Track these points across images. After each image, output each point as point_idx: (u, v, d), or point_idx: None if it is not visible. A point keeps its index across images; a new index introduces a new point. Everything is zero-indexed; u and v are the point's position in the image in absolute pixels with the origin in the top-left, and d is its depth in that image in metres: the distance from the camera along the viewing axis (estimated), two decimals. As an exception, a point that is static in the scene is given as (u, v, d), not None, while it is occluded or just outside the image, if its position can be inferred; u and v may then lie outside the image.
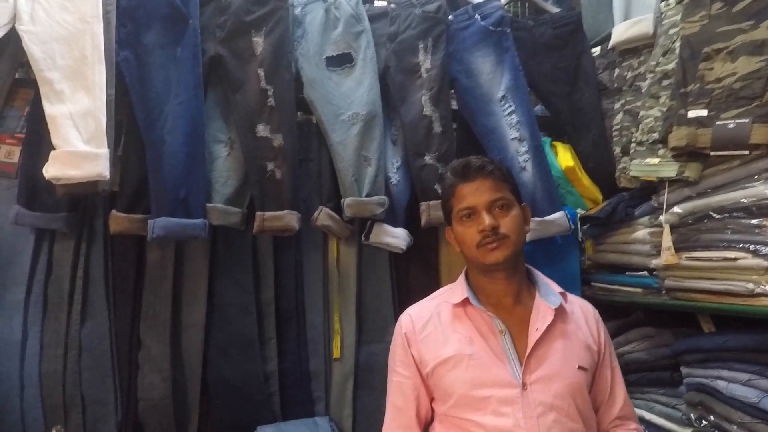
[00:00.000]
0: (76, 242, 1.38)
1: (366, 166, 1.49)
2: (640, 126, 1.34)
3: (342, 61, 1.52)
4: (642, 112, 1.34)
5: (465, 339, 0.98)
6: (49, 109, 1.23)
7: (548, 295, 1.00)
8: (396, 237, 1.53)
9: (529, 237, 1.51)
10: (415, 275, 1.63)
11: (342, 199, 1.47)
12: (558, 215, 1.48)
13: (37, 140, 1.30)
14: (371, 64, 1.53)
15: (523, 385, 0.93)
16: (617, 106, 1.48)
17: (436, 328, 1.01)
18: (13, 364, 1.30)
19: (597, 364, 1.01)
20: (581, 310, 1.05)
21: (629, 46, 1.42)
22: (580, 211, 1.59)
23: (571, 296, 1.07)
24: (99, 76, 1.26)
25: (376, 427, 1.51)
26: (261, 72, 1.44)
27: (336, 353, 1.54)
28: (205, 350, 1.46)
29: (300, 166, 1.51)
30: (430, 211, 1.51)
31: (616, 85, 1.49)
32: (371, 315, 1.57)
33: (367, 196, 1.46)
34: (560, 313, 0.99)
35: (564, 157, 1.63)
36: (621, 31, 1.42)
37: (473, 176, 0.99)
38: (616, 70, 1.49)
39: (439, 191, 1.52)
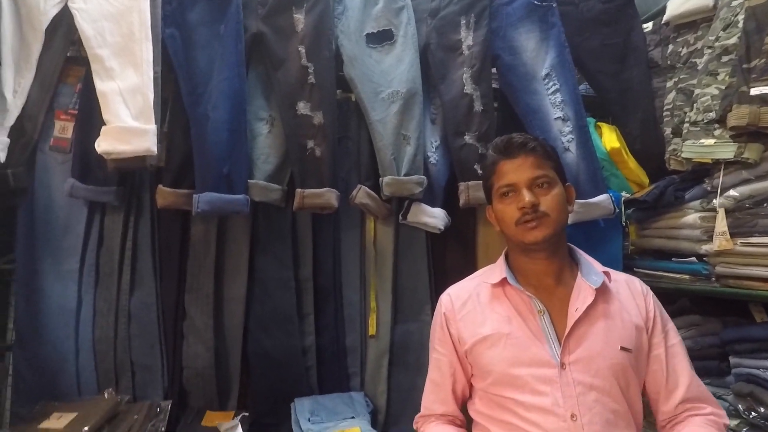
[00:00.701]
0: (125, 215, 1.44)
1: (405, 145, 1.48)
2: (694, 105, 1.27)
3: (382, 37, 1.50)
4: (697, 91, 1.28)
5: (503, 318, 0.98)
6: (100, 85, 1.27)
7: (590, 274, 0.98)
8: (434, 217, 1.52)
9: (571, 219, 1.47)
10: (451, 256, 1.63)
11: (380, 178, 1.46)
12: (602, 198, 1.43)
13: (89, 116, 1.34)
14: (412, 40, 1.50)
15: (562, 365, 0.92)
16: (669, 84, 1.41)
17: (474, 307, 1.02)
18: (69, 329, 1.37)
19: (648, 343, 0.98)
20: (628, 289, 1.02)
21: (686, 20, 1.35)
22: (624, 195, 1.54)
23: (617, 275, 1.04)
24: (146, 52, 1.28)
25: (409, 405, 1.55)
26: (302, 49, 1.43)
27: (372, 330, 1.56)
28: (246, 323, 1.50)
29: (339, 144, 1.51)
30: (469, 191, 1.49)
31: (669, 63, 1.42)
32: (407, 294, 1.58)
33: (405, 175, 1.46)
34: (603, 292, 0.97)
35: (609, 139, 1.58)
36: (677, 5, 1.35)
37: (515, 153, 0.98)
38: (670, 47, 1.42)
39: (479, 171, 1.50)
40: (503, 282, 1.01)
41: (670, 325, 1.00)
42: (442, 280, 1.61)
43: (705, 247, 1.26)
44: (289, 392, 1.46)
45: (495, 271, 1.04)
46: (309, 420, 1.37)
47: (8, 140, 1.27)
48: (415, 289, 1.59)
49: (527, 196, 0.94)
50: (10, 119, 1.27)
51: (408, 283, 1.59)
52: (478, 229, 1.64)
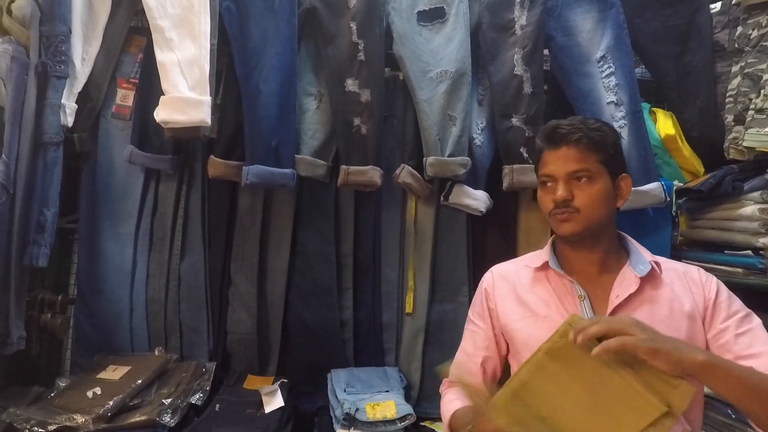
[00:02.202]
0: (178, 183, 1.50)
1: (451, 126, 1.47)
2: (762, 91, 1.21)
3: (434, 15, 1.48)
4: (766, 76, 1.21)
5: (541, 301, 0.98)
6: (160, 55, 1.32)
7: (637, 263, 0.96)
8: (476, 199, 1.51)
9: (621, 208, 1.45)
10: (492, 239, 1.62)
11: (424, 158, 1.46)
12: (653, 186, 1.39)
13: (149, 85, 1.40)
14: (464, 19, 1.48)
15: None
16: (735, 69, 1.34)
17: (515, 287, 1.03)
18: (124, 288, 1.45)
19: (707, 333, 0.93)
20: (684, 279, 0.98)
21: (759, 0, 1.27)
22: (676, 183, 1.49)
23: (674, 264, 1.00)
24: (204, 25, 1.32)
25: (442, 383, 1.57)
26: (353, 25, 1.44)
27: (408, 308, 1.57)
28: (287, 294, 1.54)
29: (384, 122, 1.52)
30: (513, 174, 1.47)
31: (736, 46, 1.34)
32: (445, 275, 1.59)
33: (449, 155, 1.45)
34: (651, 281, 0.94)
35: (664, 125, 1.52)
36: (751, -16, 1.27)
37: (558, 143, 0.95)
38: (739, 29, 1.34)
39: (525, 155, 1.48)
40: (545, 266, 1.00)
41: (743, 312, 0.93)
42: (481, 262, 1.61)
43: (762, 240, 1.21)
44: (325, 363, 1.50)
45: (540, 255, 1.04)
46: (345, 390, 1.41)
47: (76, 106, 1.34)
48: (453, 270, 1.59)
49: (560, 190, 0.93)
50: (78, 86, 1.34)
51: (446, 263, 1.59)
52: (519, 213, 1.63)
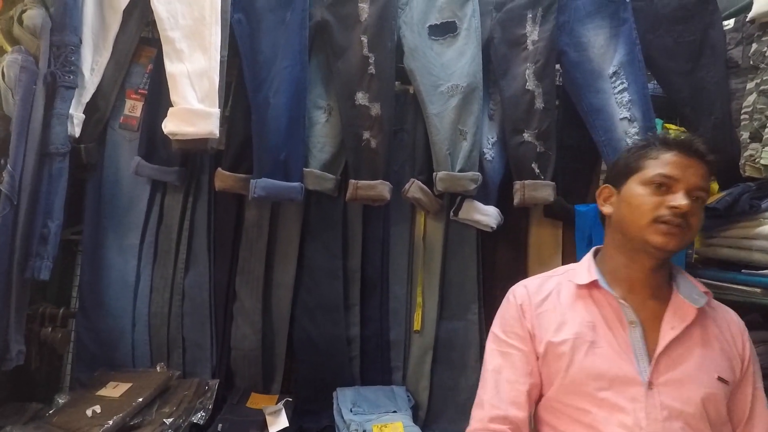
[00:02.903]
0: (185, 196, 1.48)
1: (461, 140, 1.45)
2: (779, 108, 1.19)
3: (445, 29, 1.48)
4: (783, 94, 1.20)
5: (587, 323, 0.89)
6: (170, 67, 1.31)
7: (691, 293, 0.90)
8: (486, 215, 1.49)
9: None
10: (502, 255, 1.59)
11: (434, 173, 1.44)
12: (668, 203, 1.37)
13: (158, 97, 1.38)
14: (475, 34, 1.48)
15: (650, 385, 0.85)
16: (750, 86, 1.33)
17: (555, 306, 0.93)
18: (127, 302, 1.42)
19: (738, 379, 0.91)
20: (725, 318, 0.94)
21: (774, 18, 1.26)
22: (690, 201, 1.46)
23: (715, 301, 0.96)
24: (215, 36, 1.31)
25: (451, 403, 1.53)
26: (364, 39, 1.43)
27: (417, 326, 1.54)
28: (293, 309, 1.51)
29: (394, 136, 1.50)
30: (524, 190, 1.45)
31: (751, 63, 1.33)
32: (454, 292, 1.56)
33: (460, 170, 1.43)
34: (702, 315, 0.90)
35: (677, 142, 1.50)
36: (767, 1, 1.26)
37: (691, 154, 0.89)
38: (753, 46, 1.33)
39: (536, 170, 1.46)
40: (592, 284, 0.92)
41: (758, 365, 0.93)
42: (490, 279, 1.58)
43: (783, 259, 1.17)
44: (331, 381, 1.46)
45: (581, 270, 0.95)
46: (351, 410, 1.37)
47: (83, 116, 1.33)
48: (462, 287, 1.56)
49: (685, 200, 0.85)
50: (87, 96, 1.33)
51: (456, 280, 1.56)
52: (530, 229, 1.61)
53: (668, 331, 0.87)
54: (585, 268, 0.95)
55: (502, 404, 0.90)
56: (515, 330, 0.95)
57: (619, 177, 0.95)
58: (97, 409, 1.20)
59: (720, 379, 0.87)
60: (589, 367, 0.86)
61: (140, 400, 1.23)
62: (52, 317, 1.36)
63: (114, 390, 1.28)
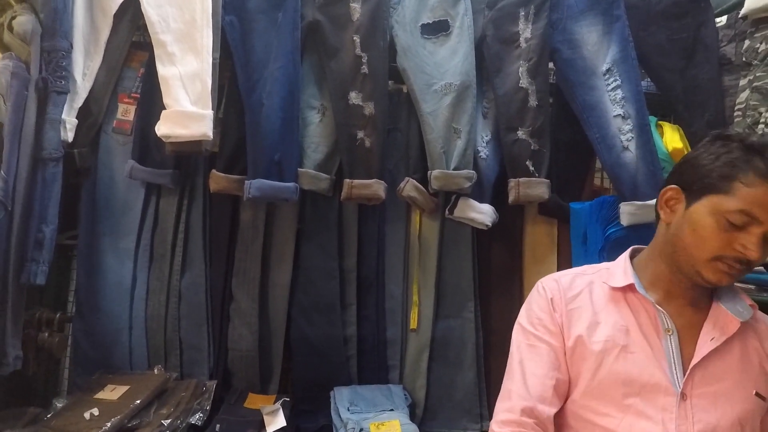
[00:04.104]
0: (179, 198, 1.48)
1: (456, 139, 1.45)
2: (771, 105, 1.19)
3: (438, 28, 1.47)
4: (775, 90, 1.20)
5: (620, 327, 0.85)
6: (162, 70, 1.30)
7: (735, 305, 0.85)
8: (481, 213, 1.49)
9: (627, 221, 1.42)
10: (497, 253, 1.60)
11: (429, 171, 1.45)
12: (662, 200, 1.37)
13: (151, 100, 1.38)
14: (468, 32, 1.47)
15: (683, 396, 0.81)
16: (743, 82, 1.33)
17: (586, 305, 0.88)
18: (124, 305, 1.43)
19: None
20: (767, 329, 0.88)
21: (767, 14, 1.26)
22: (685, 198, 1.47)
23: (760, 313, 0.90)
24: (207, 39, 1.31)
25: (448, 400, 1.54)
26: (357, 39, 1.43)
27: (413, 324, 1.55)
28: (289, 310, 1.52)
29: (388, 135, 1.50)
30: (519, 188, 1.45)
31: (744, 59, 1.33)
32: (450, 290, 1.56)
33: (455, 169, 1.43)
34: (743, 327, 0.84)
35: (671, 138, 1.50)
36: (758, -3, 1.26)
37: None
38: (746, 42, 1.33)
39: (531, 168, 1.46)
40: (627, 287, 0.87)
41: None
42: (486, 277, 1.59)
43: (775, 257, 1.18)
44: (328, 380, 1.47)
45: (616, 272, 0.90)
46: (348, 409, 1.38)
47: (76, 121, 1.33)
48: (458, 285, 1.56)
49: (757, 251, 0.75)
50: (79, 101, 1.33)
51: (452, 278, 1.57)
52: (525, 227, 1.61)
53: (707, 342, 0.83)
54: (621, 270, 0.89)
55: (529, 397, 0.85)
56: (545, 323, 0.89)
57: (694, 185, 0.82)
58: (95, 411, 1.21)
59: (758, 395, 0.83)
60: (620, 371, 0.83)
61: (138, 402, 1.24)
62: (48, 322, 1.36)
63: (112, 393, 1.29)
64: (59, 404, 1.30)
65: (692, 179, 0.82)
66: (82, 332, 1.41)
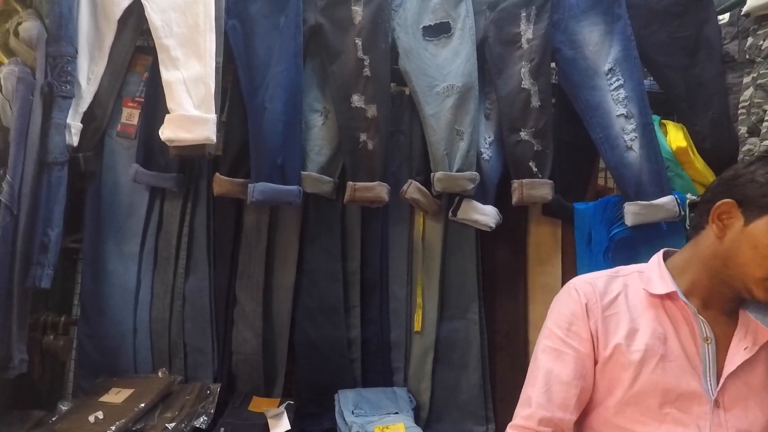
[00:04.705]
0: (183, 201, 1.48)
1: (458, 140, 1.45)
2: (776, 102, 1.19)
3: (439, 30, 1.48)
4: (779, 87, 1.19)
5: (659, 335, 0.84)
6: (165, 74, 1.32)
7: (765, 314, 0.84)
8: (485, 214, 1.49)
9: (632, 221, 1.41)
10: (501, 255, 1.59)
11: (432, 173, 1.44)
12: (667, 200, 1.36)
13: (155, 104, 1.39)
14: (469, 33, 1.48)
15: (716, 403, 0.82)
16: (747, 80, 1.32)
17: (623, 310, 0.86)
18: (128, 308, 1.43)
19: None
20: None
21: (769, 11, 1.26)
22: (689, 196, 1.46)
23: None
24: (210, 43, 1.32)
25: (452, 403, 1.53)
26: (359, 41, 1.44)
27: (417, 326, 1.54)
28: (293, 313, 1.51)
29: (391, 138, 1.50)
30: (522, 189, 1.45)
31: (747, 57, 1.32)
32: (454, 292, 1.55)
33: (458, 171, 1.43)
34: None
35: (675, 137, 1.49)
36: (760, -6, 1.26)
37: None
38: (749, 39, 1.32)
39: (534, 169, 1.46)
40: (666, 294, 0.86)
41: None
42: (490, 279, 1.58)
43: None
44: (333, 383, 1.46)
45: (653, 276, 0.88)
46: (353, 413, 1.37)
47: (81, 125, 1.34)
48: (462, 287, 1.56)
49: None
50: (84, 105, 1.34)
51: (455, 280, 1.56)
52: (529, 228, 1.60)
53: (740, 351, 0.83)
54: (657, 275, 0.88)
55: (550, 406, 0.84)
56: (575, 329, 0.87)
57: (754, 203, 0.80)
58: (100, 415, 1.21)
59: None
60: (658, 381, 0.82)
61: (142, 405, 1.24)
62: (53, 325, 1.37)
63: (116, 396, 1.29)
64: (64, 407, 1.30)
65: (752, 196, 0.81)
66: (86, 335, 1.42)
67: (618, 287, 0.89)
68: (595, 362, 0.86)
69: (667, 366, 0.82)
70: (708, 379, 0.83)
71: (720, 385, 0.82)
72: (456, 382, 1.52)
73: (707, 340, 0.83)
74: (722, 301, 0.86)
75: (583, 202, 1.52)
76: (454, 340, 1.53)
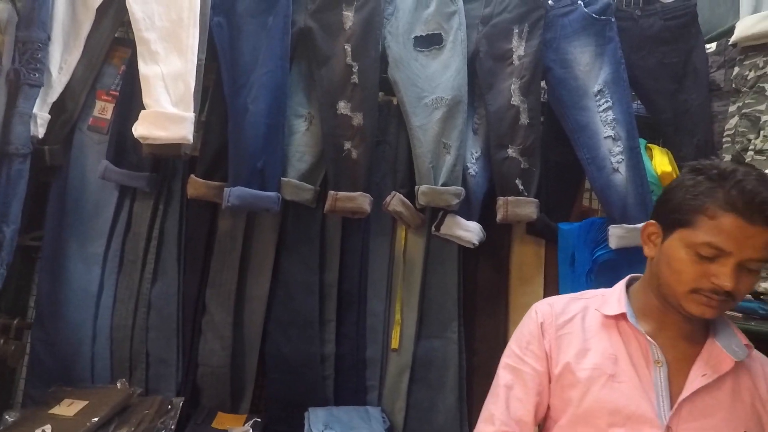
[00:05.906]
0: (155, 203, 1.41)
1: (445, 154, 1.42)
2: (761, 132, 1.19)
3: (431, 41, 1.46)
4: (765, 117, 1.20)
5: (609, 356, 0.85)
6: (144, 68, 1.25)
7: (731, 343, 0.84)
8: (468, 231, 1.46)
9: (616, 244, 1.40)
10: (483, 272, 1.56)
11: (416, 186, 1.41)
12: (651, 224, 1.35)
13: (130, 99, 1.33)
14: (461, 47, 1.46)
15: (668, 429, 0.80)
16: (732, 109, 1.33)
17: (577, 331, 0.89)
18: (88, 313, 1.34)
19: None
20: (763, 371, 0.86)
21: (756, 42, 1.27)
22: (673, 222, 1.45)
23: (756, 352, 0.89)
24: (192, 39, 1.27)
25: (427, 424, 1.47)
26: (348, 47, 1.40)
27: (394, 344, 1.49)
28: (266, 324, 1.45)
29: (376, 148, 1.47)
30: (507, 206, 1.42)
31: (733, 86, 1.34)
32: (434, 309, 1.51)
33: (443, 185, 1.40)
34: (739, 365, 0.83)
35: (660, 162, 1.49)
36: (748, 25, 1.27)
37: (757, 222, 0.75)
38: (735, 69, 1.34)
39: (520, 187, 1.44)
40: (619, 316, 0.87)
41: None
42: (471, 297, 1.54)
43: (764, 285, 1.16)
44: (303, 400, 1.40)
45: (611, 300, 0.90)
46: (323, 432, 1.31)
47: (49, 116, 1.26)
48: (443, 304, 1.52)
49: (730, 281, 0.75)
50: (53, 96, 1.27)
51: (436, 297, 1.52)
52: (513, 246, 1.57)
53: (698, 377, 0.82)
54: (616, 298, 0.89)
55: (510, 422, 0.87)
56: (532, 348, 0.90)
57: (666, 220, 0.83)
58: (48, 429, 1.12)
59: None
60: (605, 400, 0.82)
61: (95, 419, 1.15)
62: (5, 328, 1.28)
63: (68, 408, 1.20)
64: (10, 418, 1.20)
65: (665, 211, 0.84)
66: (41, 341, 1.32)
67: (577, 309, 0.92)
68: (549, 380, 0.88)
69: (615, 386, 0.82)
70: (661, 403, 0.82)
71: (673, 410, 0.81)
72: (432, 402, 1.47)
73: (658, 363, 0.83)
74: (678, 325, 0.85)
75: (568, 222, 1.50)
76: (432, 359, 1.48)
